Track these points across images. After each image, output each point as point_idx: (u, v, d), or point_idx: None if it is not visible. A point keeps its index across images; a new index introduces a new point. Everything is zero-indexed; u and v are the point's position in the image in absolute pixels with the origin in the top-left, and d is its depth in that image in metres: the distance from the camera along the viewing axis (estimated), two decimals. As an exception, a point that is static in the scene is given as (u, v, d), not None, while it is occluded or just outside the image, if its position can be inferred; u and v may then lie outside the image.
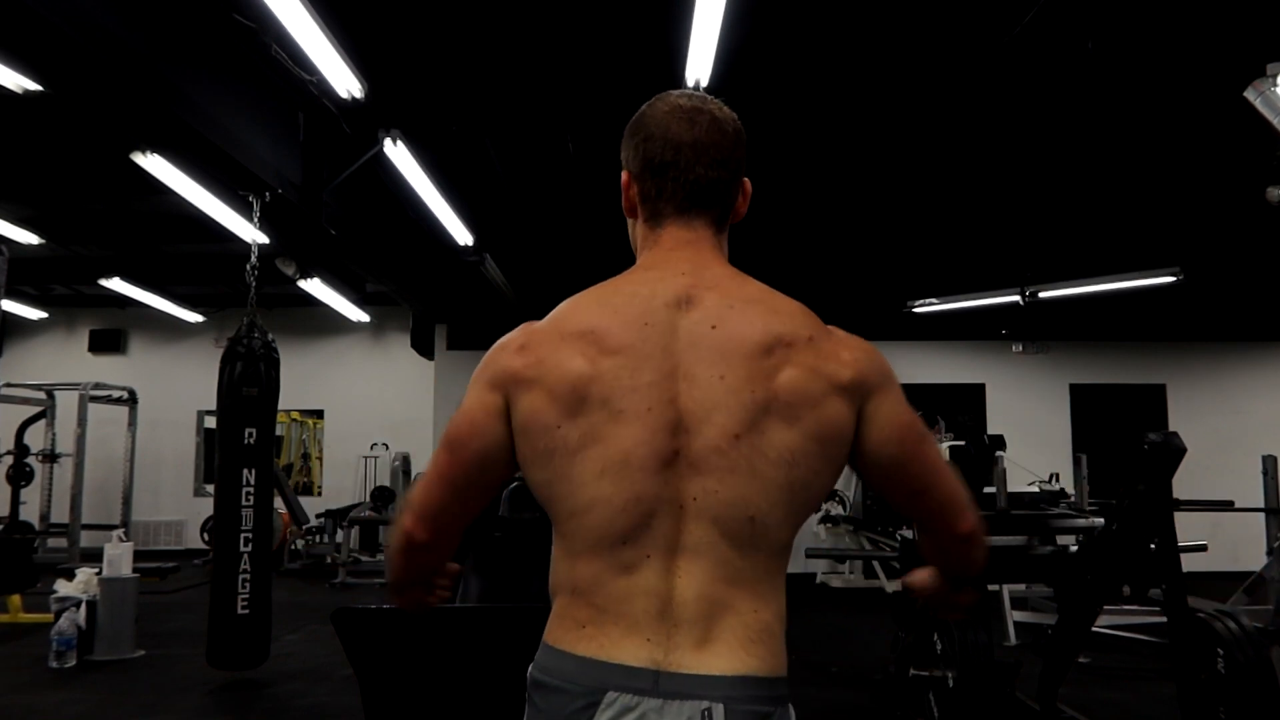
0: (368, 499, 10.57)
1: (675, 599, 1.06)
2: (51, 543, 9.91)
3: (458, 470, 1.16)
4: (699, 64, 4.20)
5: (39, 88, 4.10)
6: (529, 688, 1.12)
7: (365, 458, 11.56)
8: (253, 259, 5.50)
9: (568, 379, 1.10)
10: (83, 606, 5.57)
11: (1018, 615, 6.56)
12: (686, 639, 1.05)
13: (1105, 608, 3.97)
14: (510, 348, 1.15)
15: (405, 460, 9.65)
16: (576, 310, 1.16)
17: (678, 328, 1.11)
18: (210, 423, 10.92)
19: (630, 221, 1.28)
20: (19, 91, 4.13)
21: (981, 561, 1.28)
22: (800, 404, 1.09)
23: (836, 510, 10.00)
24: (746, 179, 1.25)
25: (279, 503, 8.89)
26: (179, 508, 11.46)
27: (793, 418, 1.09)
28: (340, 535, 9.62)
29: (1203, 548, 5.72)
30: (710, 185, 1.20)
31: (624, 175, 1.25)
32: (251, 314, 5.15)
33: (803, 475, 1.10)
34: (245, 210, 5.69)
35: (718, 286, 1.15)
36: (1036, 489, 6.39)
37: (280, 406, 5.27)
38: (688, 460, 1.07)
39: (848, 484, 10.53)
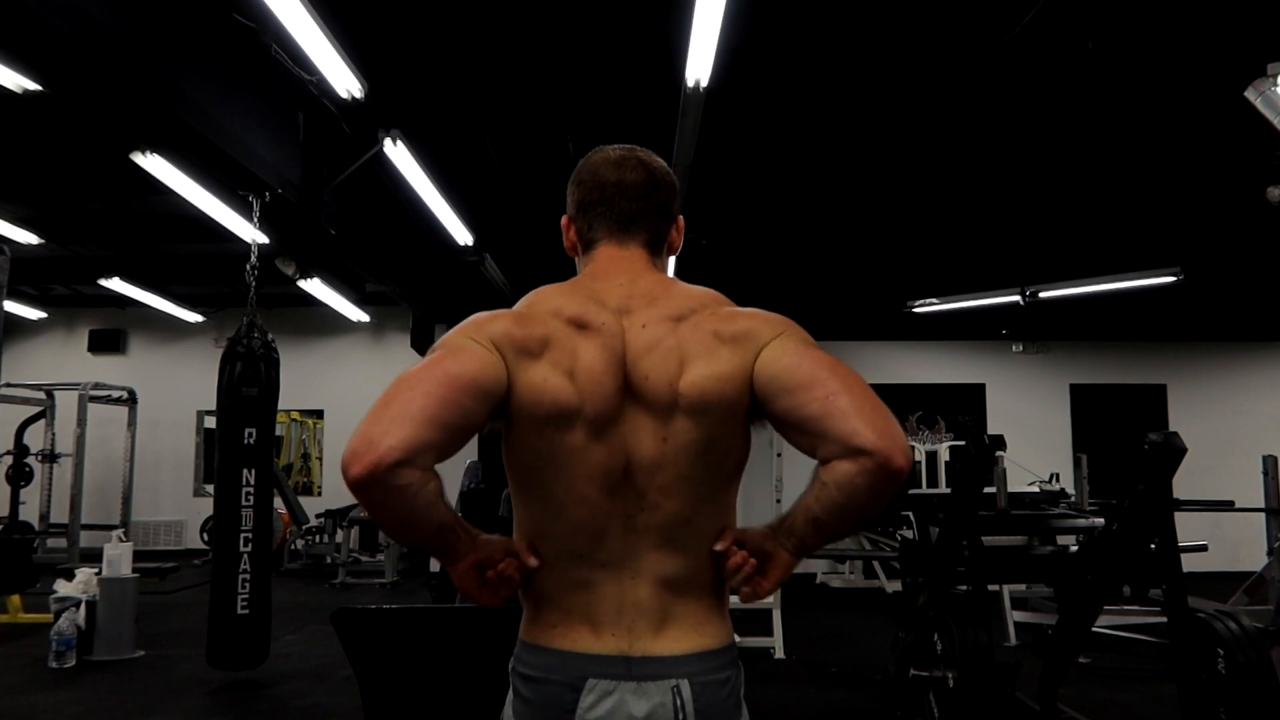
0: (368, 499, 10.55)
1: (629, 600, 1.19)
2: (51, 543, 9.90)
3: (452, 401, 1.08)
4: (699, 64, 4.20)
5: (39, 88, 4.10)
6: (512, 679, 1.23)
7: (365, 458, 11.53)
8: (253, 259, 5.49)
9: (571, 358, 1.17)
10: (82, 606, 5.57)
11: (1018, 615, 6.56)
12: (645, 630, 1.18)
13: (1105, 608, 3.96)
14: (505, 319, 1.20)
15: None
16: (555, 301, 1.23)
17: (624, 332, 1.21)
18: (210, 423, 10.91)
19: (576, 260, 1.40)
20: (19, 91, 4.13)
21: (874, 504, 1.11)
22: (695, 357, 1.18)
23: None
24: (681, 217, 1.39)
25: (279, 503, 8.89)
26: (179, 508, 11.45)
27: (690, 370, 1.18)
28: (340, 535, 9.62)
29: (1203, 548, 5.72)
30: (634, 214, 1.32)
31: (564, 219, 1.38)
32: (251, 314, 5.15)
33: (721, 455, 1.20)
34: (245, 210, 5.69)
35: (648, 293, 1.26)
36: (1036, 489, 6.38)
37: (280, 406, 5.27)
38: (632, 476, 1.18)
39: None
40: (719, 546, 1.20)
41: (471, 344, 1.15)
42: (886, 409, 1.12)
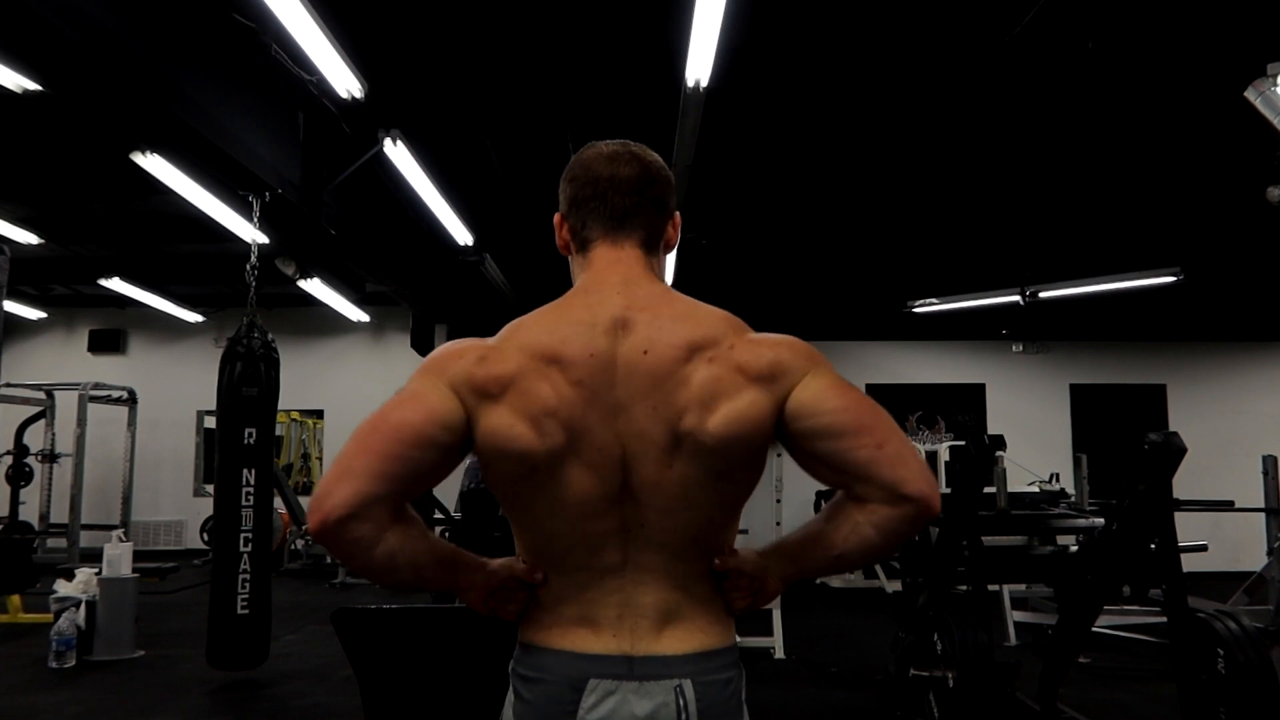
0: (368, 499, 10.55)
1: (631, 604, 1.17)
2: (51, 543, 9.90)
3: (395, 454, 1.09)
4: (699, 64, 4.20)
5: (39, 88, 4.10)
6: (512, 680, 1.22)
7: (365, 458, 11.54)
8: (253, 259, 5.50)
9: (537, 403, 1.13)
10: (82, 606, 5.57)
11: (1018, 615, 6.56)
12: (648, 632, 1.17)
13: (1105, 608, 3.96)
14: (468, 357, 1.15)
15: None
16: (530, 333, 1.18)
17: (617, 356, 1.15)
18: (210, 423, 10.91)
19: (569, 260, 1.34)
20: (19, 91, 4.13)
21: (902, 544, 1.20)
22: (716, 400, 1.13)
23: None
24: (677, 212, 1.34)
25: (279, 503, 8.89)
26: (179, 508, 11.45)
27: (717, 410, 1.13)
28: (340, 535, 9.60)
29: (1203, 548, 5.73)
30: (629, 210, 1.27)
31: (556, 217, 1.34)
32: (251, 314, 5.15)
33: (733, 485, 1.18)
34: (245, 210, 5.69)
35: (649, 307, 1.19)
36: (1036, 489, 6.39)
37: (280, 406, 5.27)
38: (632, 495, 1.15)
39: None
40: (718, 564, 1.20)
41: (429, 389, 1.14)
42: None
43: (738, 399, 1.14)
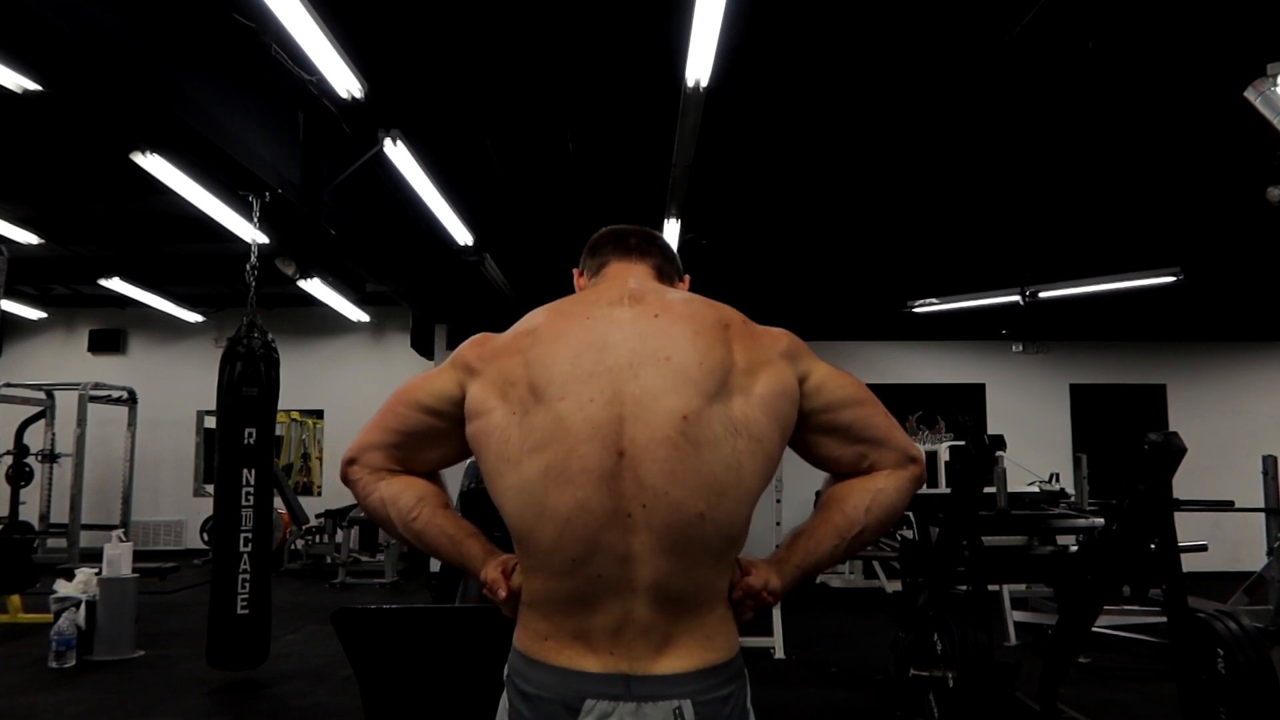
0: (368, 499, 10.54)
1: (630, 617, 1.12)
2: (51, 543, 9.91)
3: (392, 411, 1.29)
4: (699, 64, 4.20)
5: (39, 88, 4.10)
6: (508, 689, 1.20)
7: (365, 458, 11.52)
8: (253, 259, 5.49)
9: (504, 372, 1.20)
10: (82, 606, 5.57)
11: (1018, 615, 6.56)
12: (646, 649, 1.13)
13: (1105, 608, 3.96)
14: (474, 342, 1.30)
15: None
16: (529, 318, 1.29)
17: (622, 319, 1.22)
18: (210, 423, 10.92)
19: None
20: (19, 91, 4.13)
21: (904, 503, 1.28)
22: (755, 367, 1.21)
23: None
24: (687, 276, 1.52)
25: (279, 503, 8.89)
26: (179, 508, 11.45)
27: (749, 382, 1.19)
28: (340, 535, 9.62)
29: (1203, 548, 5.72)
30: (642, 247, 1.45)
31: (575, 270, 1.51)
32: (251, 314, 5.15)
33: (753, 443, 1.16)
34: (245, 210, 5.69)
35: (657, 290, 1.33)
36: (1036, 489, 6.38)
37: (280, 406, 5.28)
38: (634, 457, 1.11)
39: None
40: (737, 596, 1.21)
41: (440, 369, 1.30)
42: None
43: (773, 367, 1.23)
